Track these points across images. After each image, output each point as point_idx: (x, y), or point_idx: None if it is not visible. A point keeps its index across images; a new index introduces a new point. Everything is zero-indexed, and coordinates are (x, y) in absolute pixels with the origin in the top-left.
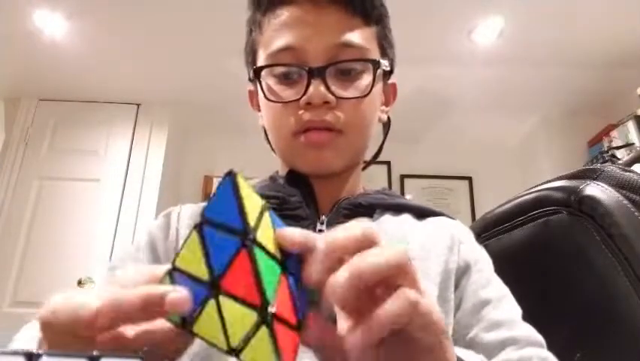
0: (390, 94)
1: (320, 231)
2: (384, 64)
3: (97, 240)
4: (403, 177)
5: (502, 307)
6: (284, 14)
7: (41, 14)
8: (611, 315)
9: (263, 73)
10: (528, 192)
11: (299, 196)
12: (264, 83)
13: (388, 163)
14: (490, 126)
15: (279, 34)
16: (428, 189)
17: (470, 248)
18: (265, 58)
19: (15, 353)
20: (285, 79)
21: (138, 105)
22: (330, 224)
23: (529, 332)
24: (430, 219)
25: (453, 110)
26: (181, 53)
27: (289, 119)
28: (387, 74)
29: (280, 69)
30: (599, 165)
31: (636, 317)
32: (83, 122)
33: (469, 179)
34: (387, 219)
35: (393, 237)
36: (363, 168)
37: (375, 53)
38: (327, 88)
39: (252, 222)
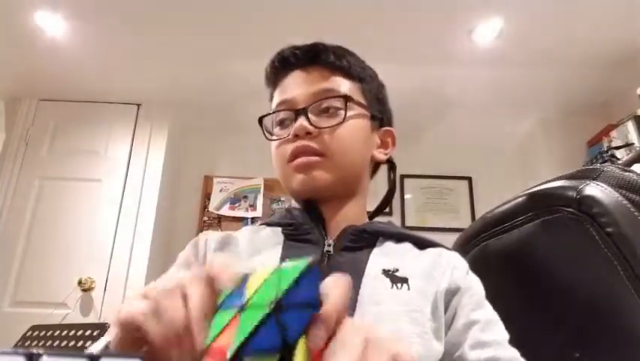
0: (387, 138)
1: (328, 251)
2: (373, 111)
3: (97, 240)
4: (403, 177)
5: (491, 329)
6: (284, 81)
7: (42, 15)
8: (610, 314)
9: (264, 121)
10: (527, 192)
11: (309, 224)
12: (264, 128)
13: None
14: (490, 126)
15: (280, 95)
16: (428, 189)
17: (463, 275)
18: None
19: (15, 353)
20: (281, 124)
21: (138, 105)
22: (337, 247)
23: (513, 355)
24: (430, 250)
25: (453, 110)
26: (181, 53)
27: (283, 152)
28: (379, 120)
29: (277, 116)
30: (598, 165)
31: (635, 316)
32: (83, 123)
33: (469, 179)
34: (389, 246)
35: (394, 261)
36: (373, 216)
37: (360, 100)
38: (309, 121)
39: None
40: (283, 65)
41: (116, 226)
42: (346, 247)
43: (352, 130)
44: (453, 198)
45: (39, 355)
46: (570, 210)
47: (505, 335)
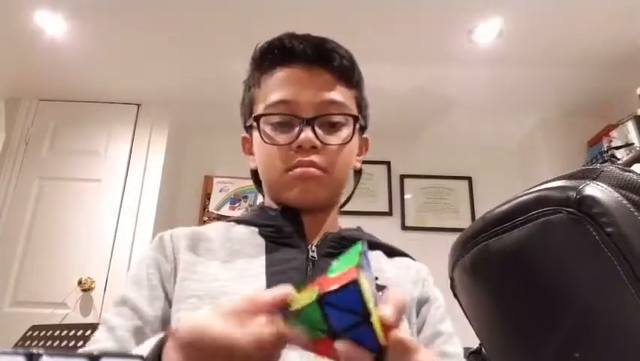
0: (363, 146)
1: (312, 257)
2: (362, 121)
3: (97, 240)
4: (402, 177)
5: (452, 342)
6: (281, 74)
7: (42, 15)
8: (610, 315)
9: (261, 121)
10: (527, 192)
11: (290, 228)
12: (261, 129)
13: (388, 163)
14: (490, 126)
15: (276, 89)
16: (428, 189)
17: (431, 286)
18: (263, 109)
19: (15, 353)
20: (280, 127)
21: (138, 105)
22: (319, 252)
23: None
24: (398, 259)
25: (453, 110)
26: (181, 53)
27: (281, 160)
28: (362, 129)
29: (276, 118)
30: (598, 165)
31: (635, 316)
32: (83, 123)
33: (469, 179)
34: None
35: (373, 267)
36: (340, 207)
37: (354, 111)
38: (315, 135)
39: (370, 308)
40: (283, 55)
41: (116, 226)
42: (328, 253)
43: (352, 148)
44: (453, 198)
45: (39, 355)
46: (570, 210)
47: (461, 349)
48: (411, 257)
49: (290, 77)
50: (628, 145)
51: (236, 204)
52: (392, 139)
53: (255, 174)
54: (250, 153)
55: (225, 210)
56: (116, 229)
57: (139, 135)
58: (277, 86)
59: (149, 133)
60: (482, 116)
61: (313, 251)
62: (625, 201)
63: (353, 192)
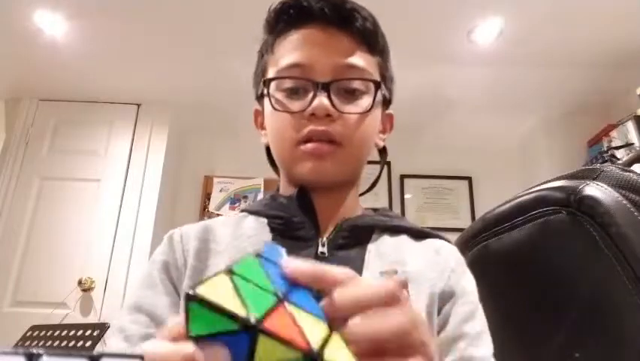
0: (387, 123)
1: (322, 253)
2: (385, 92)
3: (97, 240)
4: (402, 177)
5: (479, 344)
6: (295, 36)
7: (42, 14)
8: (610, 315)
9: (272, 87)
10: (528, 192)
11: (301, 217)
12: (271, 96)
13: (388, 163)
14: (490, 126)
15: (289, 52)
16: (428, 189)
17: (459, 278)
18: (275, 73)
19: (15, 352)
20: (292, 93)
21: (138, 105)
22: (331, 246)
23: None
24: (428, 241)
25: (453, 110)
26: (181, 53)
27: (293, 130)
28: (386, 103)
29: (288, 83)
30: (598, 165)
31: (635, 316)
32: (83, 123)
33: (469, 179)
34: (385, 241)
35: (391, 259)
36: (361, 194)
37: (376, 78)
38: (331, 102)
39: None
40: (300, 14)
41: (116, 226)
42: (340, 245)
43: (373, 120)
44: (453, 198)
45: (39, 355)
46: (570, 210)
47: (490, 349)
48: (444, 238)
49: (305, 38)
50: (628, 145)
51: (237, 204)
52: (392, 139)
53: (269, 151)
54: (262, 127)
55: (225, 211)
56: (116, 229)
57: (139, 135)
58: (290, 49)
59: (149, 133)
60: (482, 116)
61: (323, 246)
62: (625, 201)
63: (379, 177)
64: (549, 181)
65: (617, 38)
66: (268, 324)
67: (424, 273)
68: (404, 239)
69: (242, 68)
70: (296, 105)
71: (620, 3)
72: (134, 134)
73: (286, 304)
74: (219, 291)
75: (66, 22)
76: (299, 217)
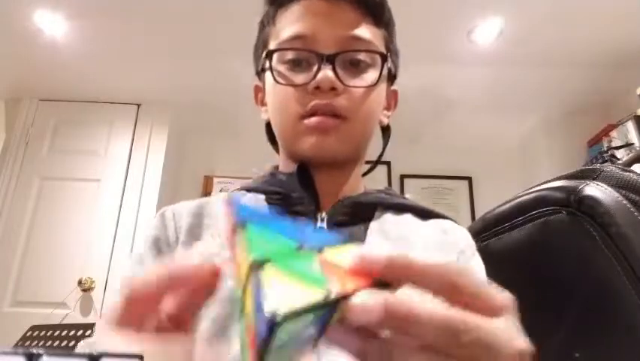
0: (391, 99)
1: (320, 228)
2: (390, 65)
3: (97, 240)
4: (402, 177)
5: None
6: (297, 7)
7: (42, 14)
8: (610, 315)
9: (273, 59)
10: (527, 192)
11: (300, 192)
12: (274, 68)
13: (388, 163)
14: (490, 126)
15: (292, 23)
16: (428, 189)
17: (467, 260)
18: (276, 45)
19: (15, 353)
20: (295, 65)
21: (138, 105)
22: (330, 221)
23: None
24: (435, 221)
25: (453, 110)
26: (181, 53)
27: (296, 103)
28: (391, 78)
29: (291, 55)
30: (598, 165)
31: (635, 316)
32: (83, 123)
33: (469, 179)
34: (388, 218)
35: (394, 237)
36: (365, 174)
37: (382, 51)
38: (336, 74)
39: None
40: None
41: (116, 226)
42: (340, 221)
43: (378, 95)
44: (453, 198)
45: (39, 355)
46: (570, 210)
47: None
48: (450, 218)
49: (308, 9)
50: (628, 145)
51: None
52: (392, 139)
53: (269, 128)
54: (262, 103)
55: None
56: (116, 229)
57: (139, 135)
58: (293, 20)
59: (149, 133)
60: (482, 116)
61: (322, 221)
62: (625, 201)
63: (382, 155)
64: (549, 181)
65: (617, 38)
66: (340, 289)
67: (430, 252)
68: (409, 218)
69: (242, 68)
70: (299, 78)
71: (620, 3)
72: (134, 135)
73: (323, 256)
74: (287, 293)
75: (66, 22)
76: (298, 193)
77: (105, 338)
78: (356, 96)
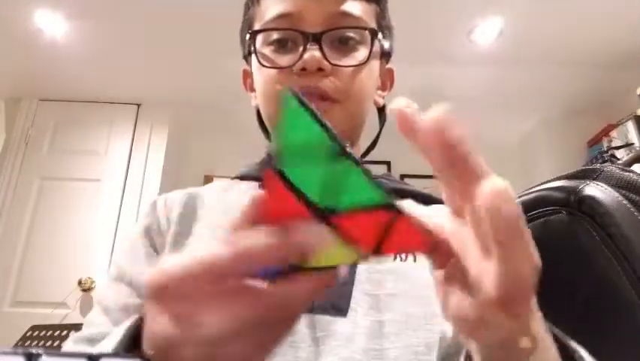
0: (387, 79)
1: None
2: (383, 42)
3: (97, 240)
4: (402, 176)
5: None
6: None
7: (42, 14)
8: (610, 316)
9: (258, 41)
10: (527, 192)
11: None
12: (258, 51)
13: (388, 163)
14: (490, 126)
15: (276, 3)
16: (428, 190)
17: None
18: (261, 26)
19: (15, 352)
20: (280, 47)
21: (138, 105)
22: None
23: None
24: (438, 206)
25: (452, 109)
26: (181, 52)
27: (282, 86)
28: (386, 55)
29: (275, 35)
30: (598, 165)
31: (636, 317)
32: (83, 123)
33: None
34: None
35: None
36: (363, 155)
37: (373, 26)
38: (323, 54)
39: None
40: None
41: (116, 226)
42: None
43: (370, 73)
44: None
45: (38, 355)
46: (570, 210)
47: None
48: None
49: None
50: (628, 145)
51: None
52: (392, 139)
53: (260, 114)
54: (252, 89)
55: None
56: (116, 229)
57: (139, 135)
58: (277, 0)
59: (149, 133)
60: (482, 116)
61: None
62: (625, 202)
63: (378, 138)
64: (549, 181)
65: (617, 38)
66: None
67: None
68: (410, 203)
69: (242, 67)
70: (285, 60)
71: (620, 3)
72: (134, 134)
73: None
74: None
75: (66, 22)
76: None
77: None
78: (345, 76)
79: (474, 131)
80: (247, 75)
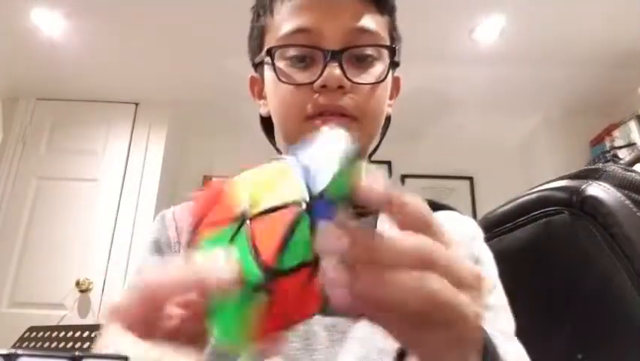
0: (394, 87)
1: None
2: (397, 56)
3: (95, 240)
4: (403, 176)
5: (501, 317)
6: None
7: (39, 13)
8: (613, 316)
9: (276, 55)
10: (530, 192)
11: None
12: (276, 66)
13: (389, 163)
14: (492, 126)
15: (293, 16)
16: (429, 189)
17: (481, 246)
18: (277, 40)
19: None
20: (298, 62)
21: (137, 104)
22: None
23: (520, 350)
24: (441, 212)
25: (454, 109)
26: (180, 52)
27: (302, 103)
28: (394, 65)
29: (294, 51)
30: (600, 165)
31: (638, 316)
32: (81, 122)
33: (471, 179)
34: None
35: None
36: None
37: (388, 42)
38: (343, 72)
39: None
40: None
41: (114, 227)
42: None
43: (385, 89)
44: (454, 199)
45: (17, 355)
46: (573, 210)
47: (513, 325)
48: (457, 210)
49: (310, 1)
50: (630, 145)
51: None
52: (393, 139)
53: (264, 121)
54: (260, 96)
55: None
56: (114, 230)
57: (137, 134)
58: (294, 12)
59: (147, 132)
60: (484, 115)
61: None
62: (627, 201)
63: (380, 142)
64: (551, 181)
65: (619, 38)
66: None
67: None
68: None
69: (241, 67)
70: (304, 76)
71: (621, 3)
72: (132, 134)
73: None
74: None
75: (64, 21)
76: None
77: (117, 340)
78: (364, 93)
79: (475, 132)
80: (255, 82)
